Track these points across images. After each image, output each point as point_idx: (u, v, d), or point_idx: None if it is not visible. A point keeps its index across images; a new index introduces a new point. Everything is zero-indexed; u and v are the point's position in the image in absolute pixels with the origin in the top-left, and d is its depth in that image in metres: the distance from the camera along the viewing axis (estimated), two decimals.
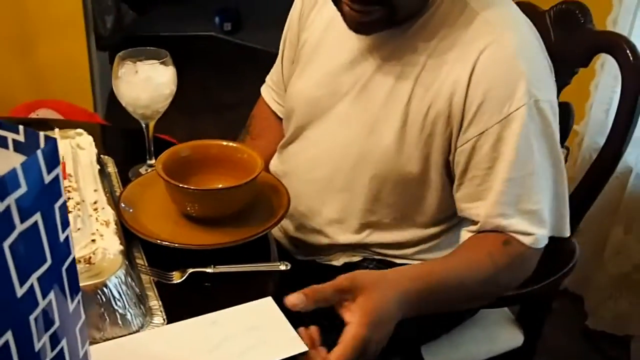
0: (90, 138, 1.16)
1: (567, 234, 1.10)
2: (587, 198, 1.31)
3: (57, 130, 1.14)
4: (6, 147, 0.59)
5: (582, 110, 2.15)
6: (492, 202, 1.03)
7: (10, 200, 0.50)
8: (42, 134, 0.55)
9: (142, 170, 1.23)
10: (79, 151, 1.11)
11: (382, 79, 1.11)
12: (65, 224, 0.58)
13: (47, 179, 0.54)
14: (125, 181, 1.18)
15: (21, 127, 0.57)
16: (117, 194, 1.11)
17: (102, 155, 1.22)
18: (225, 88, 3.79)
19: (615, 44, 1.25)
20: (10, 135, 0.58)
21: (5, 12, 2.64)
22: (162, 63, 1.13)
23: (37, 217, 0.53)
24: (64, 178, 1.03)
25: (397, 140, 1.09)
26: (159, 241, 0.99)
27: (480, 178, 1.04)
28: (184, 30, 4.97)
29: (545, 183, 1.04)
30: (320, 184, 1.20)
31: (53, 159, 0.54)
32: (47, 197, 0.54)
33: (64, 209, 0.57)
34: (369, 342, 0.88)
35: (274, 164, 1.34)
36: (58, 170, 0.55)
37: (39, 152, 0.52)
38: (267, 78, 1.45)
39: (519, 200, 1.03)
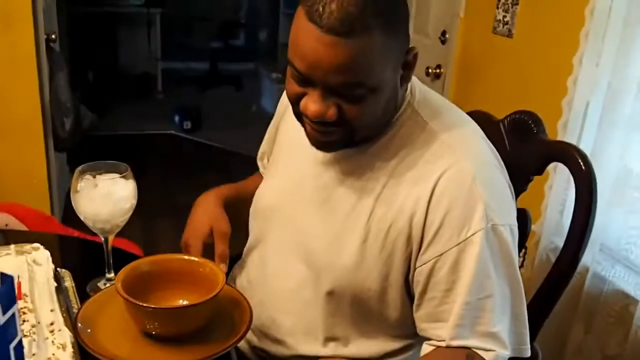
0: (47, 253, 1.14)
1: (527, 354, 1.09)
2: (546, 305, 1.32)
3: (12, 246, 1.11)
4: None
5: (538, 211, 2.19)
6: (452, 325, 1.03)
7: None
8: None
9: (101, 284, 1.20)
10: (35, 267, 1.08)
11: (345, 192, 1.12)
12: None
13: (2, 319, 0.52)
14: (83, 296, 1.15)
15: None
16: (75, 310, 1.08)
17: (58, 269, 1.19)
18: (184, 189, 3.79)
19: (567, 154, 1.30)
20: None
21: None
22: (122, 177, 1.12)
23: None
24: (19, 298, 0.99)
25: (356, 256, 1.09)
26: None
27: (439, 299, 1.04)
28: (143, 129, 5.00)
29: (503, 305, 1.04)
30: (282, 295, 1.19)
31: (9, 298, 0.53)
32: (2, 338, 0.52)
33: (20, 349, 0.55)
34: None
35: (237, 273, 1.33)
36: (14, 309, 0.53)
37: None
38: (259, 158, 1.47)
39: (476, 323, 1.02)
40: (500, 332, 1.03)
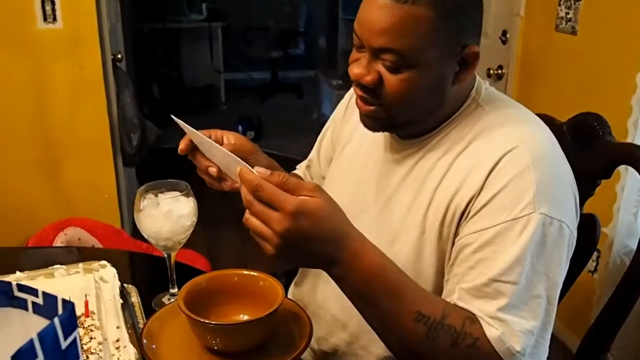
0: (114, 270, 1.17)
1: None
2: (621, 311, 1.27)
3: (81, 265, 1.15)
4: (26, 308, 0.60)
5: (610, 213, 2.12)
6: (465, 288, 0.99)
7: None
8: (60, 298, 0.55)
9: (165, 299, 1.22)
10: (102, 285, 1.11)
11: (405, 191, 1.13)
12: None
13: (64, 344, 0.53)
14: (148, 311, 1.18)
15: (40, 291, 0.57)
16: (140, 325, 1.10)
17: (125, 285, 1.23)
18: None
19: (634, 156, 1.25)
20: (29, 298, 0.59)
21: (33, 134, 2.75)
22: (183, 195, 1.15)
23: None
24: (87, 316, 1.03)
25: (416, 249, 1.09)
26: None
27: (464, 271, 1.00)
28: None
29: (525, 301, 0.97)
30: (343, 301, 1.18)
31: (70, 323, 0.54)
32: None
33: None
34: (302, 227, 0.87)
35: (295, 282, 1.34)
36: (75, 334, 0.55)
37: (56, 320, 0.52)
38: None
39: (489, 301, 0.97)
40: (513, 322, 0.95)
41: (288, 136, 5.06)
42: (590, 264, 2.22)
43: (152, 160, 3.51)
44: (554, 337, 1.06)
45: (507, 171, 1.00)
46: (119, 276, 1.22)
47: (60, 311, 0.55)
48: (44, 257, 1.42)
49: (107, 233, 2.53)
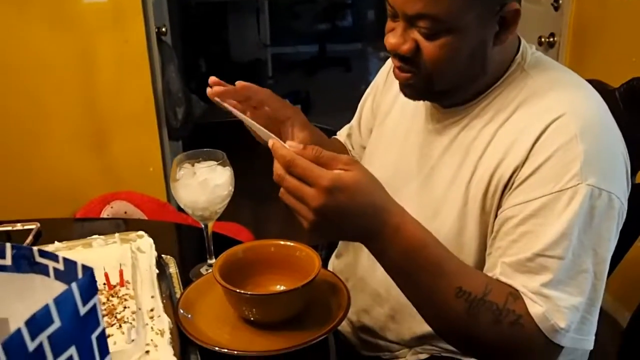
0: (151, 240, 1.17)
1: (589, 346, 0.97)
2: None
3: (117, 235, 1.15)
4: (48, 274, 0.59)
5: None
6: (508, 263, 0.95)
7: (43, 337, 0.49)
8: (79, 264, 0.54)
9: (203, 270, 1.22)
10: (139, 255, 1.11)
11: (447, 162, 1.10)
12: (105, 352, 0.56)
13: (83, 310, 0.52)
14: (186, 282, 1.17)
15: (60, 257, 0.56)
16: (177, 296, 1.10)
17: (163, 256, 1.23)
18: None
19: None
20: (51, 264, 0.58)
21: (78, 109, 2.79)
22: (219, 164, 1.13)
23: (71, 350, 0.52)
24: (122, 285, 1.03)
25: (458, 223, 1.06)
26: (217, 348, 0.96)
27: (508, 243, 0.96)
28: None
29: (572, 276, 0.93)
30: (381, 276, 1.16)
31: (90, 289, 0.53)
32: (82, 328, 0.53)
33: (103, 338, 0.56)
34: (339, 204, 0.85)
35: (335, 255, 1.32)
36: (95, 300, 0.54)
37: (73, 285, 0.51)
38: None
39: (532, 276, 0.93)
40: (558, 298, 0.92)
41: (336, 110, 5.00)
42: (613, 237, 2.14)
43: (198, 134, 3.53)
44: (602, 311, 1.01)
45: (553, 140, 0.95)
46: (159, 247, 1.22)
47: (79, 276, 0.54)
48: (89, 228, 1.43)
49: (153, 206, 2.56)
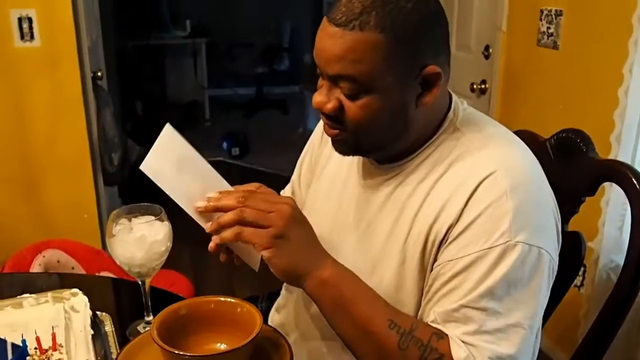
0: (85, 299, 1.13)
1: None
2: (610, 329, 1.24)
3: (49, 294, 1.11)
4: None
5: (595, 227, 2.11)
6: (437, 311, 0.98)
7: None
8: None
9: (140, 328, 1.18)
10: (72, 315, 1.07)
11: (384, 218, 1.10)
12: None
13: None
14: (122, 340, 1.13)
15: None
16: (113, 356, 1.06)
17: (98, 313, 1.19)
18: None
19: (620, 173, 1.23)
20: None
21: (11, 153, 2.71)
22: (157, 219, 1.11)
23: None
24: (54, 349, 0.98)
25: (396, 280, 1.07)
26: None
27: (439, 296, 0.99)
28: None
29: (500, 327, 0.95)
30: (324, 324, 1.15)
31: None
32: None
33: None
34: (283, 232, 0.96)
35: (276, 307, 1.31)
36: None
37: None
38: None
39: (459, 325, 0.96)
40: (483, 348, 0.94)
41: (274, 152, 5.04)
42: (577, 279, 2.20)
43: (134, 179, 3.46)
44: (541, 354, 1.04)
45: (484, 197, 0.98)
46: (94, 303, 1.18)
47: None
48: (20, 283, 1.37)
49: (88, 255, 2.48)
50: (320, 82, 1.05)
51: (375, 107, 0.99)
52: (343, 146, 1.08)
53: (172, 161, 1.03)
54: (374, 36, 0.94)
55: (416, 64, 0.98)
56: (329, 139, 1.20)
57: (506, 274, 0.94)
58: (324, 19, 0.99)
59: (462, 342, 0.95)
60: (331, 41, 0.97)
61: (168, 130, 1.05)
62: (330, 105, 1.01)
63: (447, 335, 0.96)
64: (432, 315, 0.99)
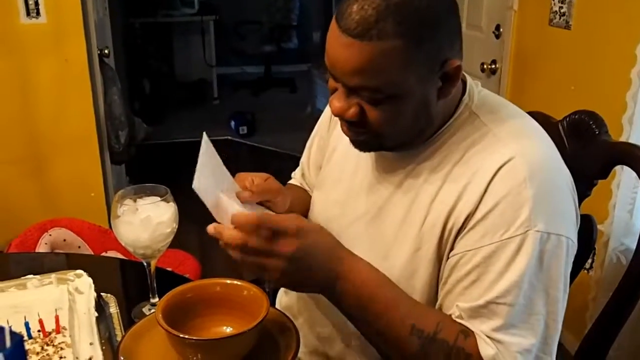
0: (90, 280, 1.12)
1: None
2: (620, 314, 1.22)
3: (54, 275, 1.10)
4: None
5: (605, 210, 2.08)
6: (460, 307, 0.97)
7: None
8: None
9: (145, 310, 1.17)
10: (77, 296, 1.06)
11: (397, 203, 1.08)
12: None
13: None
14: (127, 322, 1.13)
15: None
16: (117, 339, 1.06)
17: (103, 294, 1.18)
18: None
19: (632, 156, 1.21)
20: None
21: (17, 132, 2.69)
22: (163, 200, 1.10)
23: None
24: (58, 332, 0.98)
25: (410, 266, 1.05)
26: None
27: (460, 290, 0.98)
28: (199, 136, 5.04)
29: (525, 320, 0.95)
30: (332, 311, 1.14)
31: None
32: None
33: None
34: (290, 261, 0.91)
35: (284, 292, 1.29)
36: None
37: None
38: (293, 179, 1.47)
39: (484, 321, 0.95)
40: (510, 343, 0.93)
41: (281, 131, 5.01)
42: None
43: (141, 157, 3.45)
44: None
45: (503, 185, 0.96)
46: (99, 284, 1.18)
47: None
48: (26, 264, 1.37)
49: (94, 233, 2.48)
50: (333, 83, 1.01)
51: (398, 109, 0.97)
52: (365, 146, 1.06)
53: (211, 176, 1.04)
54: (393, 44, 0.90)
55: (437, 60, 0.95)
56: (338, 121, 1.18)
57: (528, 264, 0.93)
58: (335, 25, 0.94)
59: (490, 337, 0.93)
60: (347, 52, 0.92)
61: (205, 144, 1.06)
62: (351, 112, 0.98)
63: (472, 332, 0.95)
64: (457, 310, 0.97)
